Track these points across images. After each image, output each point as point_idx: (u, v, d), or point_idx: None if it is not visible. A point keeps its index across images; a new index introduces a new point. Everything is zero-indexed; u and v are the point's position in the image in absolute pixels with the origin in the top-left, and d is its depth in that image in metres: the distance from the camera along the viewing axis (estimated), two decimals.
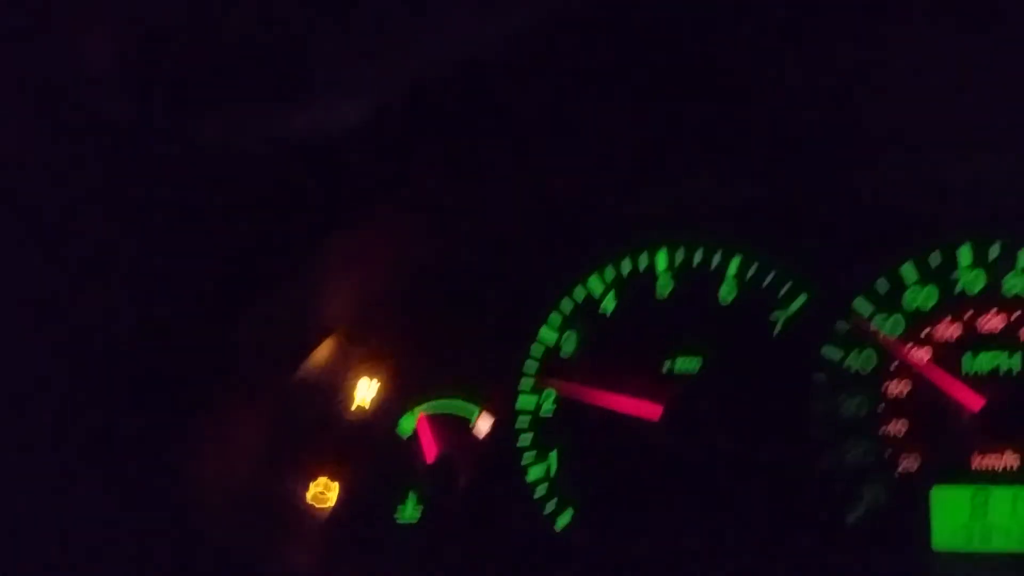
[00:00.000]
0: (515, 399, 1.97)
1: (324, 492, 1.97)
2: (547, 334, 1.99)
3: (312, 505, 1.95)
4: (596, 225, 1.97)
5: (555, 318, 1.99)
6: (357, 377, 2.02)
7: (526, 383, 1.97)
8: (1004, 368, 1.75)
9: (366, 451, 1.98)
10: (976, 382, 1.76)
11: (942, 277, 1.81)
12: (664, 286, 1.96)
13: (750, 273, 1.92)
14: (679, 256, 1.95)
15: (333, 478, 1.98)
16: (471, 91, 1.49)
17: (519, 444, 1.95)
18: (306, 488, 1.97)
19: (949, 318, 1.80)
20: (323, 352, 1.99)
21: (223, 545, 1.76)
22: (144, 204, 1.48)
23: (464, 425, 1.98)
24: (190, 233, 1.55)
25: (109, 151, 1.42)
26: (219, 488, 1.81)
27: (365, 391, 2.02)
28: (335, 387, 2.00)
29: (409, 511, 1.95)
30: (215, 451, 1.82)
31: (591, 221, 1.97)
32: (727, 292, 1.93)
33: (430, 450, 1.96)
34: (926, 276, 1.81)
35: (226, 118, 1.40)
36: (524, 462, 1.94)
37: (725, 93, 1.61)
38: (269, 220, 1.60)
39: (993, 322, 1.79)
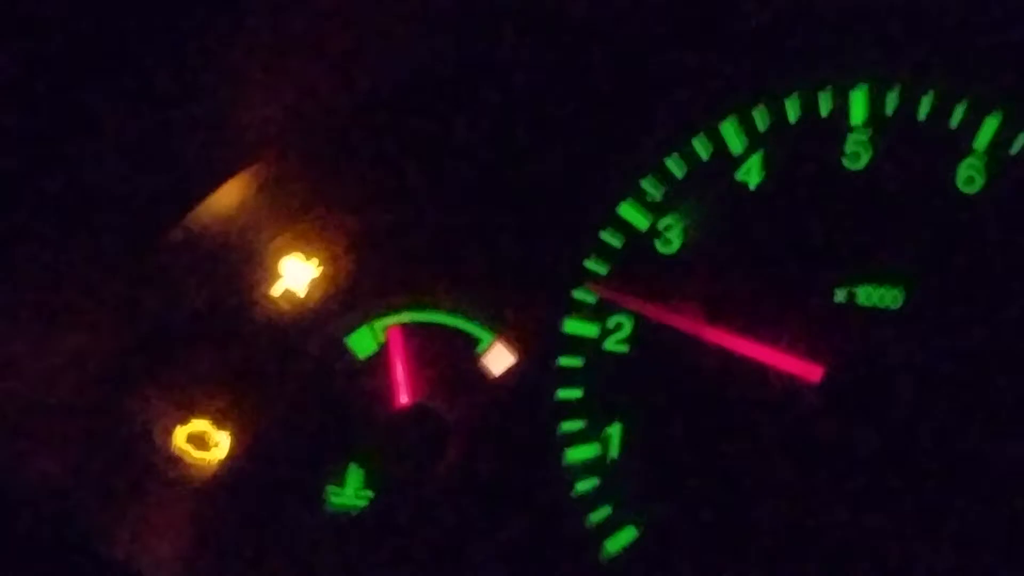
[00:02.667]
0: (560, 321, 1.73)
1: (205, 439, 1.77)
2: (632, 214, 1.74)
3: (187, 453, 1.76)
4: (734, 31, 1.71)
5: (650, 188, 1.73)
6: (282, 253, 1.81)
7: (584, 296, 1.74)
8: None
9: (285, 377, 1.77)
10: None
11: None
12: (857, 152, 1.67)
13: (1019, 144, 1.61)
14: (891, 101, 1.65)
15: (220, 423, 1.77)
16: None
17: (558, 399, 1.72)
18: (170, 432, 1.76)
19: None
20: (223, 200, 1.76)
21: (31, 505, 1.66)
22: None
23: (466, 355, 1.76)
24: None
25: None
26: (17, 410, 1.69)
27: (295, 276, 1.79)
28: (240, 262, 1.80)
29: (350, 492, 1.74)
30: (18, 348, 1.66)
31: (727, 22, 1.71)
32: (970, 174, 1.62)
33: (402, 390, 1.75)
34: None
35: None
36: (562, 432, 1.71)
37: None
38: None
39: None
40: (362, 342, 1.76)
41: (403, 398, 1.73)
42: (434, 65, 1.76)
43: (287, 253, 1.80)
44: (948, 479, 1.61)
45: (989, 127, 1.61)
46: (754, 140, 1.70)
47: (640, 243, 1.72)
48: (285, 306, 1.78)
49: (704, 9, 1.72)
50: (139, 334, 1.76)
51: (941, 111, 1.63)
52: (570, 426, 1.70)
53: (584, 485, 1.68)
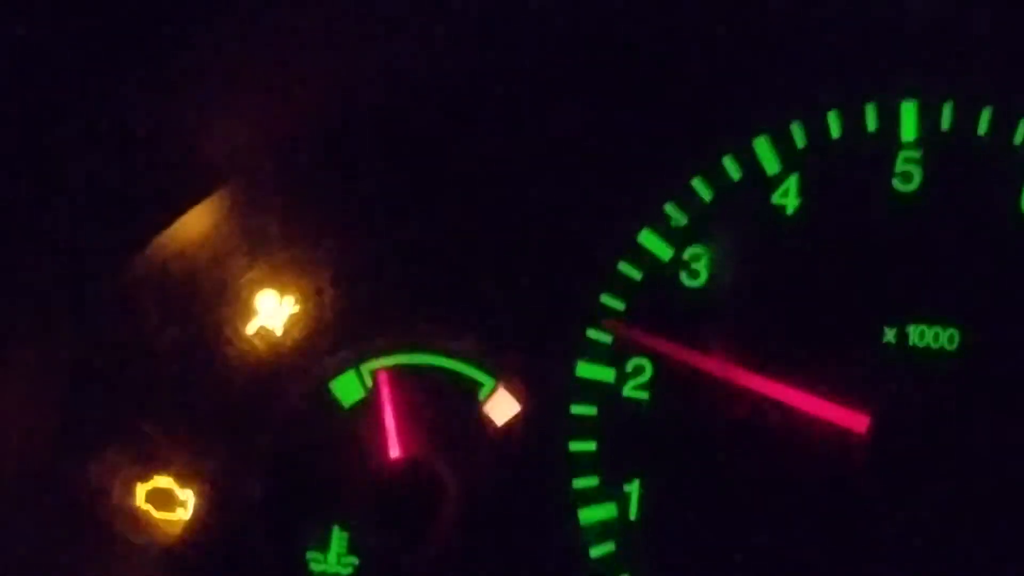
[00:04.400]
0: (572, 364, 1.71)
1: (169, 498, 1.74)
2: (653, 243, 1.72)
3: (149, 513, 1.73)
4: (767, 38, 1.70)
5: (674, 213, 1.72)
6: (256, 286, 1.77)
7: (599, 336, 1.72)
8: None
9: (259, 427, 1.74)
10: None
11: None
12: (908, 172, 1.66)
13: None
14: (946, 117, 1.65)
15: (186, 480, 1.74)
16: None
17: (569, 453, 1.70)
18: (130, 489, 1.73)
19: None
20: (189, 228, 1.76)
21: None
22: None
23: (465, 403, 1.74)
24: None
25: None
26: None
27: (272, 312, 1.76)
28: (209, 296, 1.77)
29: (332, 559, 1.71)
30: None
31: (759, 28, 1.70)
32: None
33: (392, 442, 1.72)
34: None
35: None
36: (575, 491, 1.69)
37: None
38: None
39: None
40: (347, 388, 1.72)
41: (393, 452, 1.70)
42: (431, 77, 1.73)
43: (262, 287, 1.77)
44: (1014, 547, 1.57)
45: None
46: (791, 160, 1.68)
47: (662, 276, 1.69)
48: (260, 346, 1.76)
49: (734, 14, 1.67)
50: (95, 378, 1.73)
51: (1002, 127, 1.60)
52: (584, 483, 1.66)
53: (600, 550, 1.65)
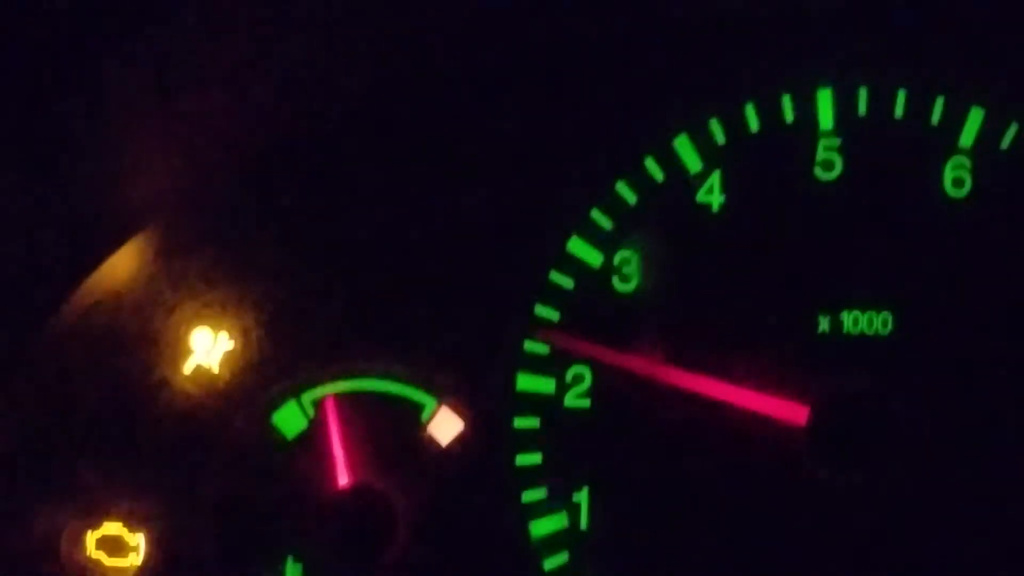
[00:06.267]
0: (512, 378, 1.72)
1: (120, 544, 1.73)
2: (583, 250, 1.73)
3: (100, 561, 1.73)
4: (678, 36, 1.72)
5: (600, 220, 1.73)
6: (188, 325, 1.78)
7: (536, 348, 1.73)
8: None
9: (205, 465, 1.74)
10: None
11: None
12: (829, 160, 1.68)
13: (1005, 141, 1.64)
14: (861, 101, 1.68)
15: (133, 525, 1.74)
16: None
17: (518, 467, 1.71)
18: (79, 539, 1.73)
19: None
20: (114, 272, 1.76)
21: None
22: None
23: (409, 425, 1.74)
24: None
25: None
26: None
27: (207, 350, 1.77)
28: (141, 339, 1.77)
29: None
30: None
31: (680, 28, 1.72)
32: (957, 176, 1.65)
33: (339, 470, 1.72)
34: None
35: None
36: (525, 504, 1.71)
37: None
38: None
39: None
40: (290, 419, 1.72)
41: (342, 479, 1.70)
42: (347, 97, 1.73)
43: (195, 325, 1.76)
44: (957, 529, 1.60)
45: (974, 122, 1.61)
46: (712, 156, 1.69)
47: (594, 282, 1.70)
48: (198, 385, 1.75)
49: (643, 14, 1.68)
50: (33, 432, 1.72)
51: (919, 108, 1.63)
52: (532, 496, 1.67)
53: (553, 562, 1.66)
